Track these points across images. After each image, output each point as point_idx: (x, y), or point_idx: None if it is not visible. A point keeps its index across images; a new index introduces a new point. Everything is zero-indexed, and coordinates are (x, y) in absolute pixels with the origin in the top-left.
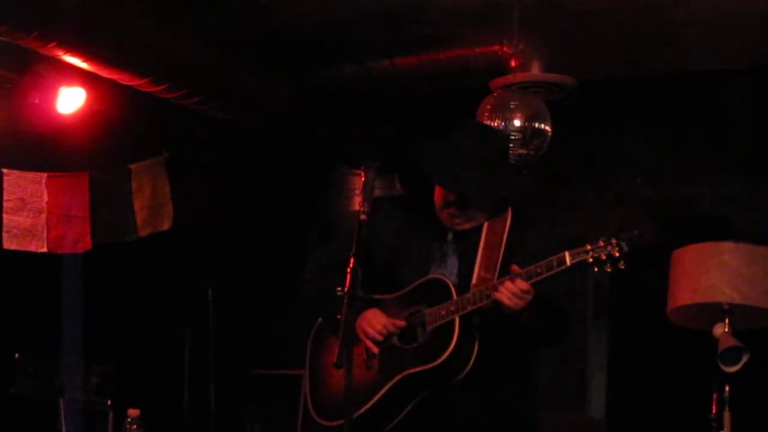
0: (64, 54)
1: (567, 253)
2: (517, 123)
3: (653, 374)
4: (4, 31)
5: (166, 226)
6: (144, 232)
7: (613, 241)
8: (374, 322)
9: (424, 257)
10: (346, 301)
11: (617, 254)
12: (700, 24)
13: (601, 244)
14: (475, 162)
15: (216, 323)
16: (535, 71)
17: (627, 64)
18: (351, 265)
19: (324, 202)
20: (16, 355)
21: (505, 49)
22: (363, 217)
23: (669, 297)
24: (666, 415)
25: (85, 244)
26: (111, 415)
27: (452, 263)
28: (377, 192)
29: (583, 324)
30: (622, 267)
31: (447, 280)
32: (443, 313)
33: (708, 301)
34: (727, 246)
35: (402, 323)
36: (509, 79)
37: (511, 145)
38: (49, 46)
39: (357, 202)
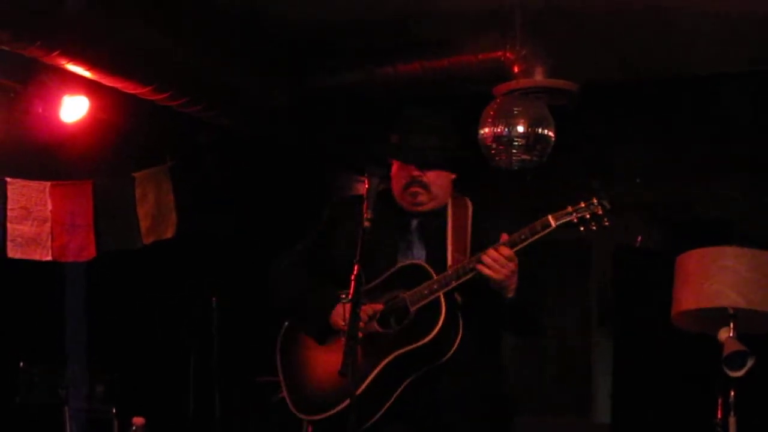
0: (68, 63)
1: (550, 216)
2: (520, 129)
3: (658, 379)
4: (7, 40)
5: (169, 233)
6: (148, 240)
7: (594, 200)
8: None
9: (390, 249)
10: (350, 308)
11: (600, 212)
12: (700, 27)
13: (583, 205)
14: (427, 130)
15: (220, 331)
16: (538, 77)
17: (628, 67)
18: (355, 273)
19: None
20: (21, 363)
21: (507, 54)
22: (366, 224)
23: (673, 302)
24: (671, 420)
25: (90, 252)
26: (116, 423)
27: (419, 251)
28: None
29: (588, 329)
30: (607, 224)
31: (423, 263)
32: (426, 292)
33: (712, 306)
34: (731, 251)
35: (380, 306)
36: (512, 84)
37: (514, 151)
38: (52, 55)
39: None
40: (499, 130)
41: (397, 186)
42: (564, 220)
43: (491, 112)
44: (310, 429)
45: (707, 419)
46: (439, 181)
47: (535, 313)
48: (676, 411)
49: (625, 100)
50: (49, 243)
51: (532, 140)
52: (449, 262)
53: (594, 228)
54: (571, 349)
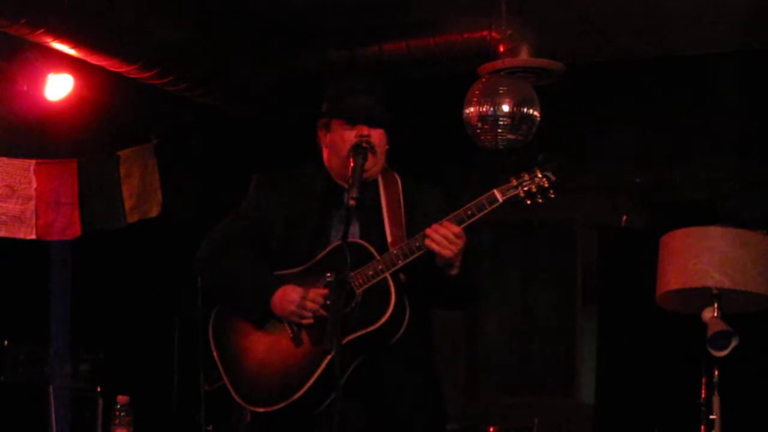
0: (52, 41)
1: (496, 191)
2: (505, 108)
3: (642, 359)
4: None
5: (154, 212)
6: (133, 219)
7: (538, 173)
8: (295, 297)
9: (323, 225)
10: (334, 286)
11: (546, 185)
12: (688, 8)
13: (527, 177)
14: (366, 92)
15: (204, 310)
16: (524, 56)
17: (615, 48)
18: (342, 251)
19: None
20: (6, 342)
21: (493, 34)
22: (352, 202)
23: (658, 282)
24: (655, 400)
25: (74, 231)
26: (101, 401)
27: (352, 227)
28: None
29: (572, 309)
30: (553, 196)
31: (363, 242)
32: (371, 273)
33: (697, 286)
34: (716, 230)
35: (324, 291)
36: (498, 64)
37: (499, 130)
38: (37, 32)
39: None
40: (484, 109)
41: (340, 152)
42: (511, 194)
43: (476, 92)
44: (249, 416)
45: (691, 399)
46: (381, 144)
47: (475, 289)
48: (660, 391)
49: (611, 80)
50: (33, 221)
51: (518, 120)
52: (389, 238)
53: (540, 201)
54: (556, 329)
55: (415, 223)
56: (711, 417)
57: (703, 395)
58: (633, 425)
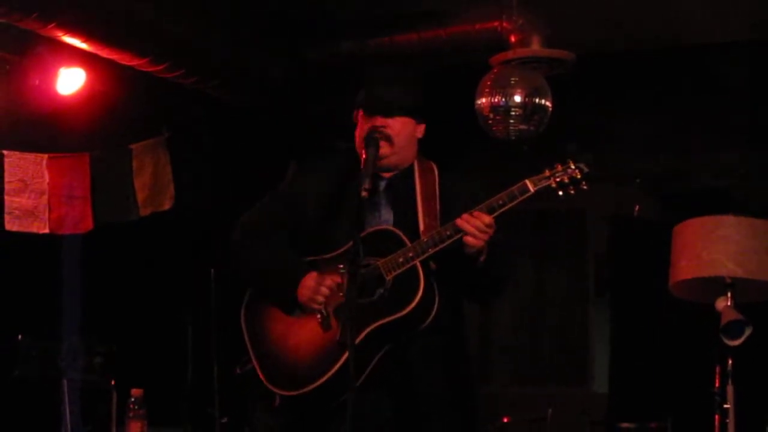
0: (64, 35)
1: (528, 181)
2: (517, 99)
3: (656, 349)
4: (4, 13)
5: (167, 205)
6: (145, 212)
7: (572, 164)
8: (311, 284)
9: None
10: (347, 278)
11: (579, 176)
12: None
13: (560, 168)
14: (390, 82)
15: (218, 303)
16: (535, 46)
17: (626, 37)
18: (353, 242)
19: None
20: (20, 336)
21: (504, 24)
22: (364, 194)
23: (671, 271)
24: (669, 390)
25: (87, 224)
26: (114, 395)
27: (386, 214)
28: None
29: (586, 300)
30: (585, 187)
31: (394, 229)
32: (401, 260)
33: (710, 275)
34: (729, 220)
35: (338, 279)
36: (509, 54)
37: (511, 121)
38: (49, 26)
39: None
40: (496, 100)
41: (359, 139)
42: (543, 185)
43: (488, 83)
44: (278, 400)
45: (705, 388)
46: (404, 132)
47: (501, 281)
48: (673, 380)
49: (622, 69)
50: (46, 215)
51: (530, 110)
52: (421, 227)
53: (572, 192)
54: (569, 318)
55: (450, 213)
56: (725, 406)
57: (717, 384)
58: (646, 415)
